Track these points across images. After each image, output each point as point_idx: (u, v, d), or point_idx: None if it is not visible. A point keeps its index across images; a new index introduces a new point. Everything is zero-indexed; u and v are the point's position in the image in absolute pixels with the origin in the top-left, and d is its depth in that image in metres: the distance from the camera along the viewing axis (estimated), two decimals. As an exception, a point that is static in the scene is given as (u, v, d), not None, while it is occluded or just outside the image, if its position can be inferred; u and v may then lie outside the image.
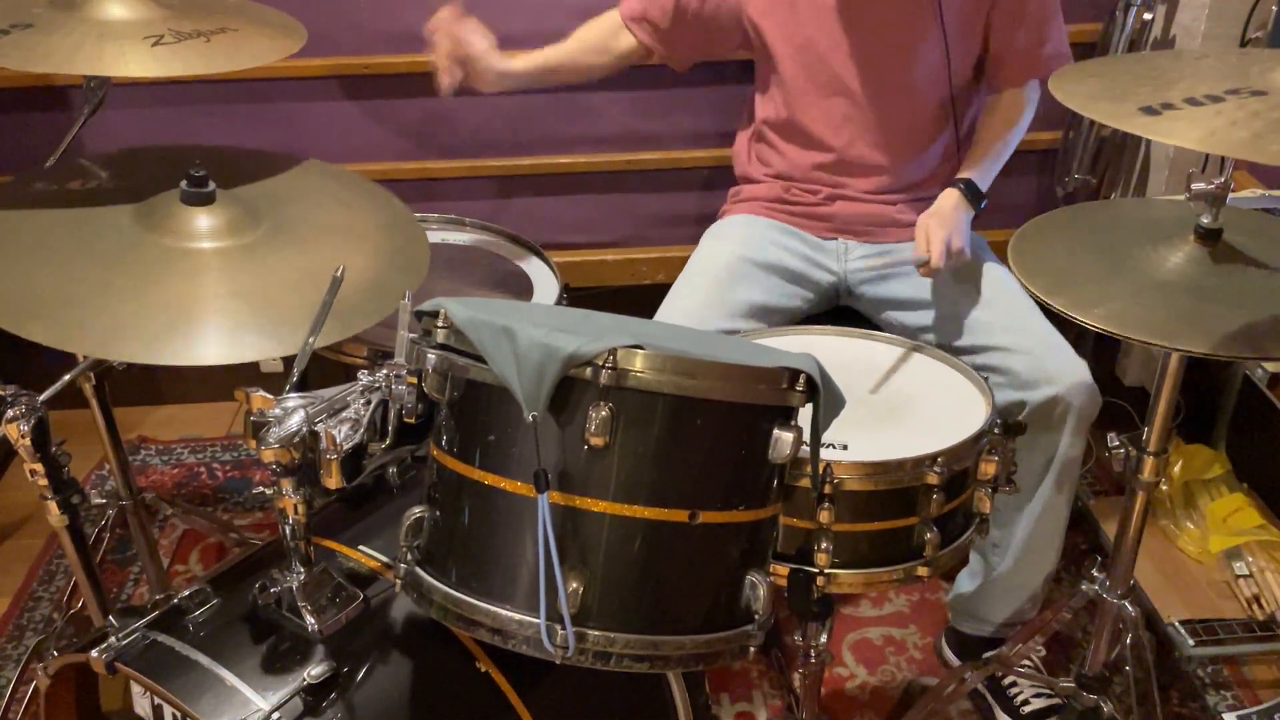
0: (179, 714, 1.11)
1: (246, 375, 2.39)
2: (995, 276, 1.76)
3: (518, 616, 1.03)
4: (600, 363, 0.99)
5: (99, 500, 1.86)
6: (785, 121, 1.85)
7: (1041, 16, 1.77)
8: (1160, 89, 1.15)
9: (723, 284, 1.75)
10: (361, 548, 1.29)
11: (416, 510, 1.10)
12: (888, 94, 1.77)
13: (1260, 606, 1.97)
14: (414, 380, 1.09)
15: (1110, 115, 1.15)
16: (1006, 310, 1.70)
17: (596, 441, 1.00)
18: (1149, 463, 1.45)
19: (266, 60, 1.43)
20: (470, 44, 1.76)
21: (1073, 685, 1.64)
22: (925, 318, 1.76)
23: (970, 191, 1.73)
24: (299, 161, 1.54)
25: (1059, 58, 1.79)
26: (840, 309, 1.91)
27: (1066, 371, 1.60)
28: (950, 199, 1.72)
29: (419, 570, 1.09)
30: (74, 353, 1.56)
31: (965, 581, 1.84)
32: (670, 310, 1.74)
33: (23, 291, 1.22)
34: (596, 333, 1.01)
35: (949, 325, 1.73)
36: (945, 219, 1.68)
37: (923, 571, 1.31)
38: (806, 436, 1.11)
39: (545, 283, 1.82)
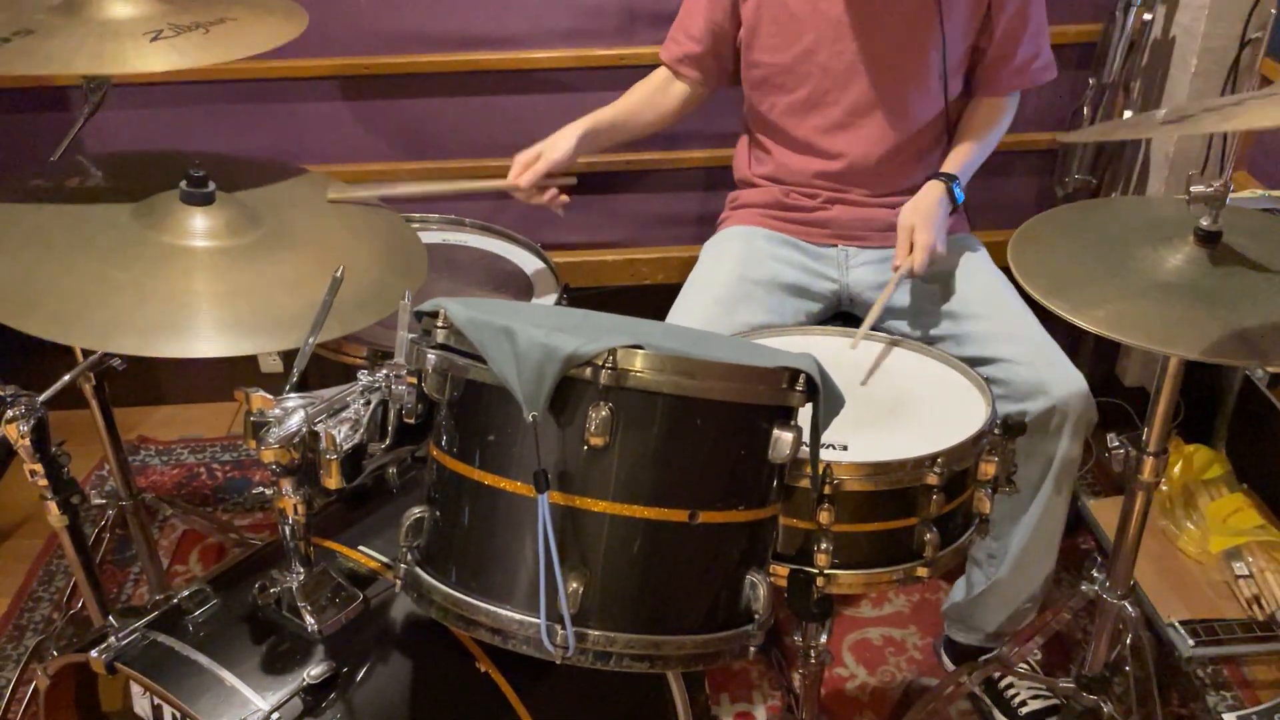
0: (178, 714, 1.11)
1: (246, 376, 2.39)
2: (994, 285, 1.76)
3: (518, 616, 1.03)
4: (600, 363, 0.99)
5: (99, 500, 1.86)
6: (782, 130, 1.85)
7: (1040, 32, 1.82)
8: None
9: (722, 306, 1.74)
10: (361, 548, 1.29)
11: (416, 510, 1.10)
12: (887, 102, 1.77)
13: (1260, 607, 1.97)
14: (414, 380, 1.09)
15: (1136, 132, 1.14)
16: (1005, 320, 1.70)
17: (596, 441, 1.00)
18: (1149, 463, 1.45)
19: (266, 47, 1.42)
20: (537, 170, 1.74)
21: (1073, 686, 1.64)
22: (926, 327, 1.76)
23: (953, 187, 1.76)
24: (299, 172, 1.54)
25: (1048, 70, 1.86)
26: (841, 313, 1.91)
27: (1063, 382, 1.60)
28: (935, 192, 1.74)
29: (419, 570, 1.09)
30: (72, 346, 1.56)
31: (960, 591, 1.84)
32: None
33: (20, 285, 1.23)
34: (596, 333, 1.01)
35: (950, 336, 1.73)
36: (929, 218, 1.70)
37: (922, 572, 1.31)
38: (806, 436, 1.11)
39: (545, 283, 1.82)
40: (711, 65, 1.89)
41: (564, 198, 1.78)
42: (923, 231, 1.68)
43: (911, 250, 1.68)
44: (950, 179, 1.76)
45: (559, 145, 1.76)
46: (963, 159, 1.80)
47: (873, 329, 1.62)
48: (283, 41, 1.44)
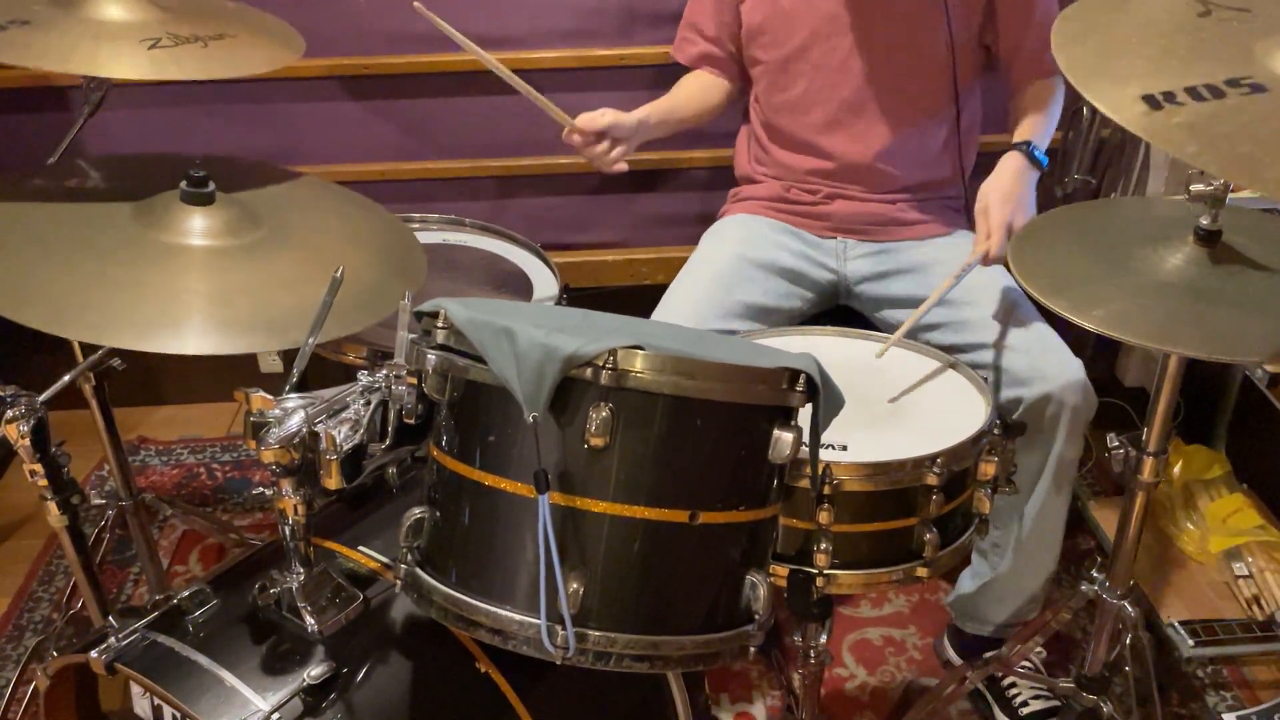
0: (178, 714, 1.11)
1: (246, 376, 2.39)
2: (993, 274, 1.76)
3: (518, 617, 1.03)
4: (600, 363, 0.99)
5: (99, 501, 1.86)
6: (779, 128, 1.85)
7: (1046, 20, 1.77)
8: (1160, 65, 1.13)
9: (721, 284, 1.75)
10: (361, 548, 1.29)
11: (416, 511, 1.10)
12: (884, 99, 1.77)
13: (1260, 607, 1.97)
14: (414, 381, 1.09)
15: (1112, 104, 1.13)
16: (1003, 308, 1.70)
17: (597, 442, 1.00)
18: (1149, 463, 1.45)
19: (262, 70, 1.43)
20: (596, 121, 1.74)
21: (1072, 686, 1.64)
22: (924, 316, 1.76)
23: (1032, 153, 1.68)
24: (298, 176, 1.55)
25: None
26: (839, 308, 1.91)
27: (1061, 370, 1.60)
28: (1015, 163, 1.66)
29: (419, 571, 1.09)
30: (71, 346, 1.56)
31: (967, 582, 1.84)
32: (667, 310, 1.74)
33: (19, 281, 1.23)
34: (596, 333, 1.01)
35: (947, 323, 1.72)
36: (1008, 194, 1.62)
37: (922, 572, 1.31)
38: (806, 437, 1.11)
39: (545, 283, 1.82)
40: (731, 64, 1.90)
41: (620, 149, 1.75)
42: (997, 208, 1.59)
43: (990, 235, 1.60)
44: (1026, 145, 1.68)
45: (624, 115, 1.75)
46: (1032, 127, 1.72)
47: (871, 325, 1.62)
48: (279, 65, 1.45)
